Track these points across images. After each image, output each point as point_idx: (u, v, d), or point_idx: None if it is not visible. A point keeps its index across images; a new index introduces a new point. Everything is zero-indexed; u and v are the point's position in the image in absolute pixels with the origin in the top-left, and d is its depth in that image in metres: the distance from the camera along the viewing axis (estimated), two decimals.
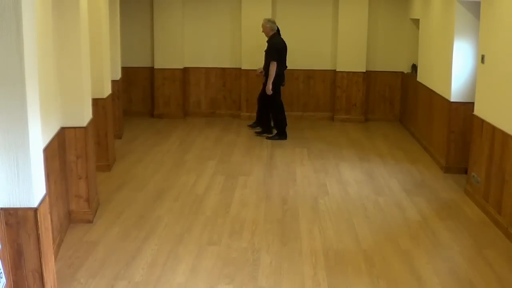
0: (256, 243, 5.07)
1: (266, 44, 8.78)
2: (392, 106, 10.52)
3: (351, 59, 10.19)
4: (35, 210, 3.11)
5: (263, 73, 8.84)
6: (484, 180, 5.90)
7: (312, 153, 8.14)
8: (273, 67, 8.53)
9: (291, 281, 4.40)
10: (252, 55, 10.04)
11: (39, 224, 3.13)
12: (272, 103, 8.79)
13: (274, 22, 8.80)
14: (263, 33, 8.85)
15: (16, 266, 3.16)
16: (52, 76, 4.90)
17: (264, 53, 8.83)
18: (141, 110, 10.51)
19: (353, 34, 10.11)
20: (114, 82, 7.96)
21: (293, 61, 10.29)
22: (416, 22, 9.53)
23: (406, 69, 10.12)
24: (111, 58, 7.54)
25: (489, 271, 4.58)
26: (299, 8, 10.29)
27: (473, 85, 6.70)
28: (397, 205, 6.06)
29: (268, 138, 8.83)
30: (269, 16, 9.97)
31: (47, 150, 4.45)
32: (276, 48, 8.64)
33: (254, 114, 9.81)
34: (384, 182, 6.84)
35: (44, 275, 3.21)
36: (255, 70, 9.32)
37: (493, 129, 5.71)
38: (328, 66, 10.41)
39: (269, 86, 8.57)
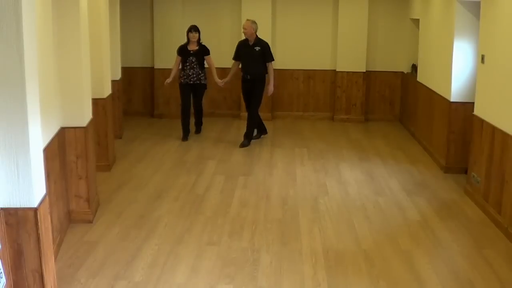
0: (256, 243, 5.07)
1: (249, 47, 8.41)
2: (392, 106, 10.53)
3: (351, 59, 10.19)
4: (35, 210, 3.11)
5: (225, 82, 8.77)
6: (484, 180, 5.90)
7: (312, 153, 8.14)
8: (272, 67, 8.49)
9: (291, 281, 4.39)
10: None
11: (39, 224, 3.13)
12: (259, 103, 8.62)
13: (256, 23, 8.53)
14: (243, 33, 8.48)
15: (16, 266, 3.16)
16: (52, 76, 4.90)
17: (247, 56, 8.44)
18: (141, 110, 10.51)
19: (353, 34, 10.11)
20: (114, 82, 7.95)
21: (293, 61, 10.32)
22: (416, 22, 9.53)
23: (406, 69, 10.12)
24: (111, 58, 7.54)
25: (489, 271, 4.58)
26: (299, 8, 10.29)
27: (473, 85, 6.70)
28: (397, 205, 6.06)
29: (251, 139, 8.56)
30: (269, 16, 9.99)
31: (47, 150, 4.45)
32: (269, 49, 8.52)
33: None
34: (384, 182, 6.84)
35: (44, 275, 3.21)
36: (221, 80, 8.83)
37: (493, 129, 5.71)
38: (328, 66, 10.41)
39: (272, 87, 8.48)
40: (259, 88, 8.46)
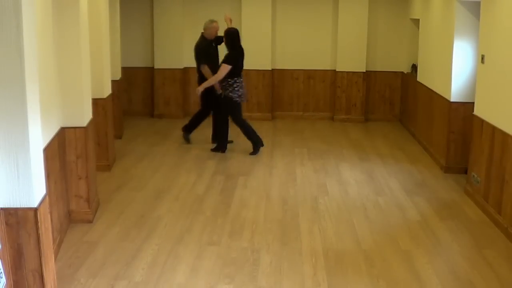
0: (256, 243, 5.07)
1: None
2: (392, 106, 10.53)
3: (351, 59, 10.19)
4: (35, 210, 3.11)
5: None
6: (484, 180, 5.90)
7: (312, 153, 8.14)
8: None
9: (291, 281, 4.39)
10: (252, 55, 10.02)
11: (39, 224, 3.13)
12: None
13: None
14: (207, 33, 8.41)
15: (16, 266, 3.16)
16: (52, 76, 4.90)
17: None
18: (141, 110, 10.51)
19: (353, 34, 10.12)
20: (114, 82, 7.95)
21: (293, 61, 10.33)
22: (416, 22, 9.53)
23: (406, 69, 10.12)
24: (111, 58, 7.54)
25: (489, 271, 4.58)
26: (299, 8, 10.29)
27: (473, 85, 6.71)
28: (397, 205, 6.06)
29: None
30: (269, 16, 9.98)
31: (47, 150, 4.45)
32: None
33: (254, 114, 9.77)
34: (384, 182, 6.84)
35: (44, 275, 3.21)
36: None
37: (493, 129, 5.71)
38: (328, 66, 10.42)
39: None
40: None
